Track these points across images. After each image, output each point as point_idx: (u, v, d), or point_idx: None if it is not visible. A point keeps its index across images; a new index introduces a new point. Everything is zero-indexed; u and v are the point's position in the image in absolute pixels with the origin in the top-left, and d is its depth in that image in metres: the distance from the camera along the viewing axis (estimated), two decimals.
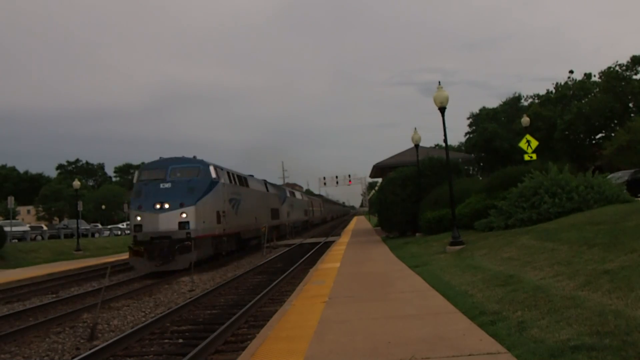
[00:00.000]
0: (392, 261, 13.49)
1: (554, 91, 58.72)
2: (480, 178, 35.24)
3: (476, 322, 5.68)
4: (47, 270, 19.85)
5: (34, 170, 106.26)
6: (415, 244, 17.71)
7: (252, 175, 28.88)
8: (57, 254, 29.20)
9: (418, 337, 5.31)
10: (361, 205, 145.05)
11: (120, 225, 56.35)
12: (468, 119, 72.15)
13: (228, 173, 21.98)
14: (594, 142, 52.65)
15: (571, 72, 59.30)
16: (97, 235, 49.84)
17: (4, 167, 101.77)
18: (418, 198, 22.56)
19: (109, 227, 57.01)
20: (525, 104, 67.14)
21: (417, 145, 23.32)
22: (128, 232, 36.05)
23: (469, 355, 4.50)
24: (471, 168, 64.42)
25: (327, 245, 24.75)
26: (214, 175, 19.23)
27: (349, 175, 75.93)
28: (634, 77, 48.04)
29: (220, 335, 7.84)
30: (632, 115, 45.69)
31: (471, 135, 70.86)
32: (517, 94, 71.73)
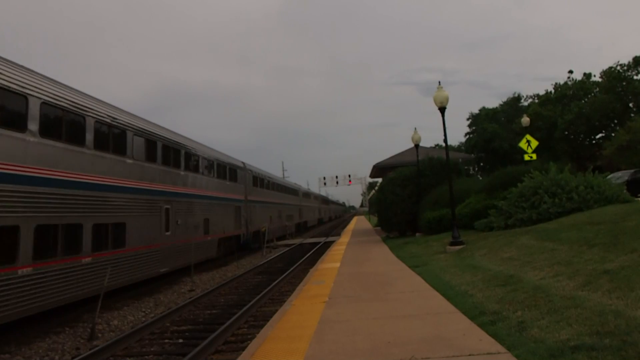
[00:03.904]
0: (392, 261, 13.48)
1: (553, 91, 58.69)
2: (480, 178, 35.21)
3: (476, 322, 5.68)
4: None
5: None
6: (415, 244, 17.70)
7: None
8: None
9: (418, 337, 5.30)
10: (361, 205, 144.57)
11: None
12: (468, 119, 72.09)
13: None
14: (594, 142, 52.64)
15: (571, 72, 59.40)
16: None
17: None
18: (418, 198, 22.56)
19: None
20: (525, 104, 67.08)
21: (417, 145, 23.33)
22: None
23: (469, 355, 4.51)
24: (471, 168, 64.35)
25: (327, 245, 24.75)
26: None
27: (349, 175, 75.75)
28: (635, 77, 48.02)
29: (220, 335, 7.85)
30: (632, 115, 45.68)
31: (471, 136, 70.79)
32: (517, 94, 71.67)
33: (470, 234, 15.10)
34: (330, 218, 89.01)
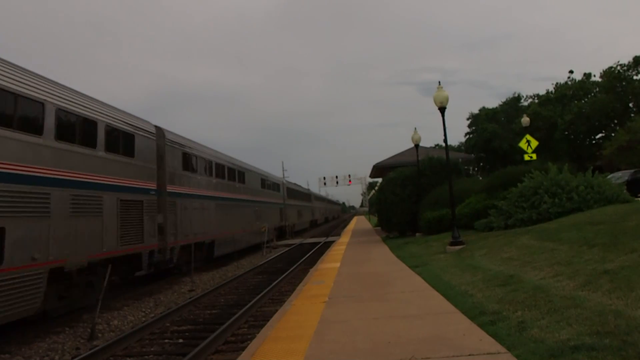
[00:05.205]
0: (392, 261, 13.48)
1: (553, 91, 58.75)
2: (480, 178, 35.22)
3: (476, 322, 5.68)
4: None
5: None
6: (415, 244, 17.70)
7: None
8: None
9: (418, 337, 5.30)
10: (361, 205, 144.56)
11: None
12: (468, 119, 72.14)
13: None
14: (594, 142, 52.68)
15: (571, 72, 59.56)
16: None
17: None
18: (418, 198, 22.56)
19: None
20: (525, 104, 67.14)
21: (417, 145, 23.33)
22: None
23: (469, 355, 4.51)
24: (471, 168, 64.39)
25: (327, 245, 24.75)
26: None
27: (349, 175, 75.77)
28: (635, 77, 48.05)
29: (220, 335, 7.85)
30: (632, 115, 45.71)
31: (471, 136, 70.85)
32: (516, 94, 71.76)
33: (470, 234, 15.10)
34: (315, 222, 59.79)
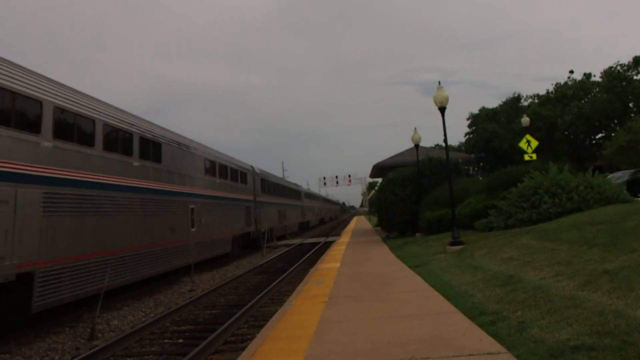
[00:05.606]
0: (392, 261, 13.48)
1: (553, 91, 58.73)
2: (480, 178, 35.21)
3: (476, 322, 5.68)
4: None
5: None
6: (415, 244, 17.70)
7: None
8: None
9: (418, 337, 5.31)
10: (361, 205, 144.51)
11: None
12: (468, 119, 72.14)
13: None
14: (594, 142, 52.67)
15: (571, 72, 59.61)
16: None
17: None
18: (418, 198, 22.57)
19: None
20: (525, 104, 67.14)
21: (417, 145, 23.34)
22: None
23: (469, 355, 4.51)
24: (471, 168, 64.34)
25: (327, 245, 24.75)
26: None
27: (349, 175, 75.77)
28: (635, 77, 48.04)
29: (220, 335, 7.85)
30: (632, 115, 45.72)
31: (471, 136, 70.85)
32: (516, 94, 71.76)
33: (470, 234, 15.10)
34: (306, 224, 50.24)
